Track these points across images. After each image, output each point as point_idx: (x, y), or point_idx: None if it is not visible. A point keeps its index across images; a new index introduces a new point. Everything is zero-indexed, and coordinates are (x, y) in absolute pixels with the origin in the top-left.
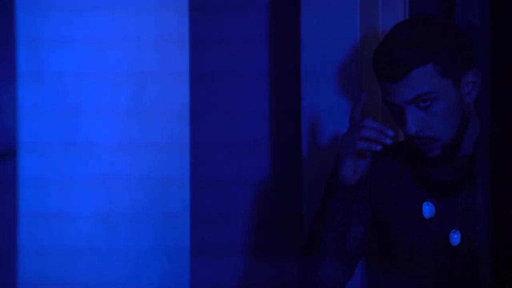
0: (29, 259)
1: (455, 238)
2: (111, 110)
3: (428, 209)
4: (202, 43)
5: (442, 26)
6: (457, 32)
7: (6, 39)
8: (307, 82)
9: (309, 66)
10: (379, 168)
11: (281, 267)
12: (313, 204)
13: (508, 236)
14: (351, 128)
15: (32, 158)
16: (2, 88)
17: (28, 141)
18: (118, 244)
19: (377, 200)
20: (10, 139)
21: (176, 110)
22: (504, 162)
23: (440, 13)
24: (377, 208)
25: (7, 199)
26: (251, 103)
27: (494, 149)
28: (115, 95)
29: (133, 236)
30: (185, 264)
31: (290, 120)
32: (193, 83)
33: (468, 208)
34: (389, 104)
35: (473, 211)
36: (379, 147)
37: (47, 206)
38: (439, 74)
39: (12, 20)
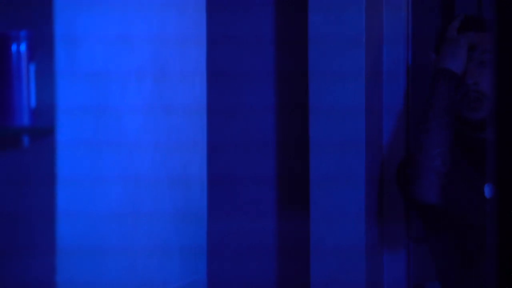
0: (65, 255)
1: None
2: (138, 107)
3: (489, 190)
4: (216, 41)
5: None
6: None
7: (45, 38)
8: (315, 81)
9: (316, 63)
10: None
11: (289, 262)
12: (321, 200)
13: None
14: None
15: (69, 152)
16: (42, 84)
17: (67, 136)
18: (143, 241)
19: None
20: (49, 117)
21: (193, 107)
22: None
23: (442, 10)
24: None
25: (44, 196)
26: (260, 100)
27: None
28: (142, 92)
29: (155, 233)
30: (202, 263)
31: (298, 117)
32: (209, 80)
33: None
34: None
35: None
36: None
37: (81, 202)
38: None
39: (50, 19)
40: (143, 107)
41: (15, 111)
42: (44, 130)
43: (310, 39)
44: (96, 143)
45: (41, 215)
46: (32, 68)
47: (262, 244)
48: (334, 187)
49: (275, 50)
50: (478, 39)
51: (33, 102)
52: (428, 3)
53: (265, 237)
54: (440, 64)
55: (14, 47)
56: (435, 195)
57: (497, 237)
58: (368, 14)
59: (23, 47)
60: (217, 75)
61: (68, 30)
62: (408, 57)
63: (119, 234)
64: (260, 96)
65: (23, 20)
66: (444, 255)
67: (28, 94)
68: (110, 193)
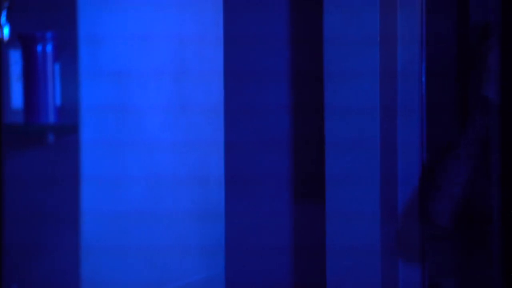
0: (89, 251)
1: None
2: (158, 107)
3: None
4: (233, 41)
5: None
6: None
7: (69, 39)
8: (330, 80)
9: (331, 63)
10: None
11: (305, 259)
12: (337, 199)
13: None
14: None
15: (93, 151)
16: (66, 83)
17: (90, 134)
18: (163, 238)
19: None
20: (73, 115)
21: (211, 106)
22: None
23: (456, 10)
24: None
25: (68, 193)
26: (276, 100)
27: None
28: (162, 91)
29: (175, 230)
30: (220, 258)
31: (314, 116)
32: (226, 80)
33: None
34: None
35: None
36: None
37: (103, 199)
38: None
39: (74, 21)
40: (163, 106)
41: (41, 109)
42: (68, 128)
43: (325, 39)
44: (118, 141)
45: (65, 211)
46: (57, 67)
47: (278, 241)
48: (349, 186)
49: (291, 50)
50: None
51: (58, 101)
52: (442, 2)
53: (281, 235)
54: (478, 89)
55: (40, 48)
56: (446, 220)
57: (503, 236)
58: (382, 13)
59: (48, 48)
60: (234, 74)
61: (91, 31)
62: (422, 56)
63: (140, 230)
64: (276, 96)
65: (49, 21)
66: (462, 253)
67: (53, 93)
68: (131, 191)
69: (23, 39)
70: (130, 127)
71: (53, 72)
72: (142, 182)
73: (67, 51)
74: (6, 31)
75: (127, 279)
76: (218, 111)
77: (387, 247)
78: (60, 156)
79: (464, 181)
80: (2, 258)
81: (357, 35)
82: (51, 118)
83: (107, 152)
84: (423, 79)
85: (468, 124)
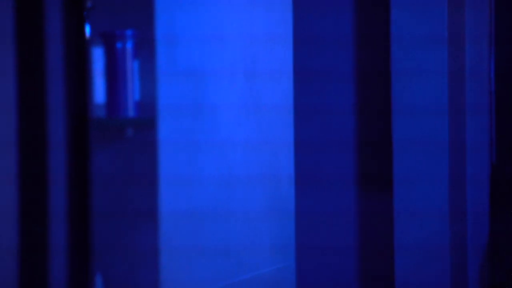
0: (168, 248)
1: None
2: (230, 106)
3: None
4: (302, 41)
5: None
6: None
7: (147, 37)
8: (398, 79)
9: (399, 62)
10: None
11: (374, 256)
12: (405, 198)
13: None
14: None
15: (171, 153)
16: (145, 79)
17: (167, 130)
18: (237, 236)
19: None
20: (150, 110)
21: (281, 105)
22: None
23: None
24: None
25: (148, 196)
26: (345, 99)
27: None
28: (234, 91)
29: (249, 227)
30: (290, 257)
31: (382, 115)
32: (295, 79)
33: None
34: None
35: None
36: None
37: (180, 198)
38: None
39: (152, 20)
40: (235, 105)
41: (121, 104)
42: (146, 122)
43: (392, 38)
44: (192, 139)
45: (144, 207)
46: (136, 64)
47: (347, 238)
48: (418, 185)
49: (359, 49)
50: None
51: (136, 96)
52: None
53: (349, 232)
54: None
55: (120, 45)
56: None
57: None
58: (450, 12)
59: (128, 45)
60: (303, 74)
61: (168, 30)
62: (491, 55)
63: (215, 227)
64: (344, 95)
65: (128, 21)
66: None
67: (132, 88)
68: (205, 188)
69: (105, 37)
70: (204, 125)
71: (132, 69)
72: (216, 180)
73: (145, 49)
74: (88, 30)
75: (203, 270)
76: (288, 110)
77: (456, 245)
78: (138, 151)
79: None
80: (90, 248)
81: (425, 34)
82: (131, 112)
83: (182, 150)
84: (492, 77)
85: None
